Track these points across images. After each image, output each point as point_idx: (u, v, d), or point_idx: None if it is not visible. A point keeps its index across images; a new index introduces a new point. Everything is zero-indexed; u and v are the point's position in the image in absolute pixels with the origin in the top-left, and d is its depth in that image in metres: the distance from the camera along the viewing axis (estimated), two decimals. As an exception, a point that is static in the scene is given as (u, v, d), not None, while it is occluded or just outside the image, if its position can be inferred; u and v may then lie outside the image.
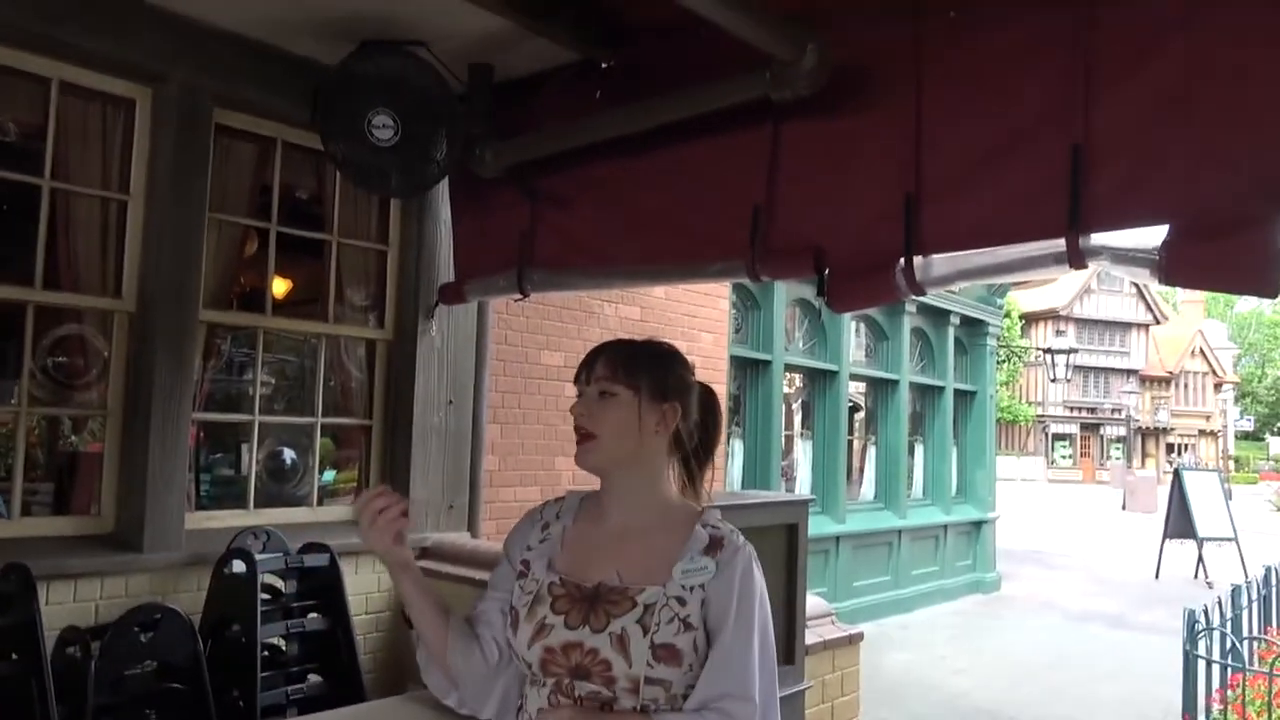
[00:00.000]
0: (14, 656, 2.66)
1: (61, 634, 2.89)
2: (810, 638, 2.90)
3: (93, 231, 3.46)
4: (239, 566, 3.26)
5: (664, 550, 1.48)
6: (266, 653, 3.33)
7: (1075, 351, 12.13)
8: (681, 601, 1.42)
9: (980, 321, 10.71)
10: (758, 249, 2.93)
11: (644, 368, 1.53)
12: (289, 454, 4.14)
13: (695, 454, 1.59)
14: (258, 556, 3.29)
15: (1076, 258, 2.28)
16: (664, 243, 3.28)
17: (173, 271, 3.47)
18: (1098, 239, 2.28)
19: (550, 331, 5.55)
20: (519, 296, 3.78)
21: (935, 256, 2.67)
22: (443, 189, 4.11)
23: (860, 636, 3.09)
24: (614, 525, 1.55)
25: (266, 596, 3.38)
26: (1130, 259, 2.29)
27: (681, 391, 1.56)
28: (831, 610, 3.08)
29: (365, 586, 3.90)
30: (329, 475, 4.42)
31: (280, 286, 4.13)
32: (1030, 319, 38.53)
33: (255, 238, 4.05)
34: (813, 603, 3.00)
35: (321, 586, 3.47)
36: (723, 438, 1.65)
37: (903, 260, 2.63)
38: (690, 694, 1.42)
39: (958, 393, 10.58)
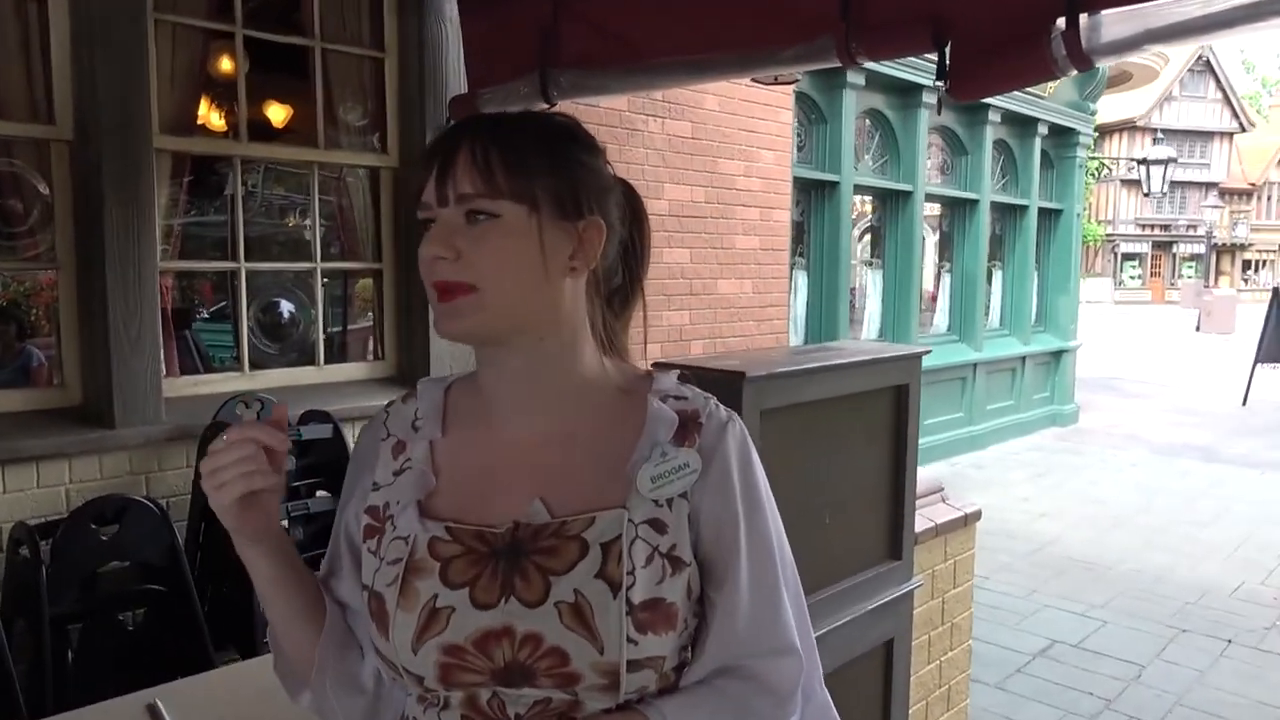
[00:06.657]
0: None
1: (11, 532, 2.43)
2: (919, 523, 2.33)
3: (9, 40, 2.79)
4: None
5: (611, 450, 0.87)
6: (270, 537, 2.88)
7: (1174, 161, 10.88)
8: (658, 527, 0.84)
9: (1070, 131, 9.56)
10: (852, 21, 2.21)
11: (539, 163, 0.85)
12: (287, 306, 3.58)
13: (618, 291, 0.97)
14: (245, 430, 2.78)
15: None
16: (722, 24, 2.55)
17: (113, 87, 2.82)
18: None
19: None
20: (545, 106, 3.08)
21: (1108, 13, 1.91)
22: (445, -24, 3.36)
23: (978, 515, 2.51)
24: (518, 425, 0.90)
25: (263, 474, 2.89)
26: None
27: (602, 196, 0.90)
28: (941, 485, 2.50)
29: (385, 454, 3.39)
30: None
31: (257, 106, 3.44)
32: (1104, 131, 35.96)
33: (221, 48, 3.34)
34: (921, 478, 2.40)
35: (325, 461, 2.97)
36: (649, 260, 0.99)
37: (1063, 21, 1.90)
38: (689, 659, 0.86)
39: (1042, 212, 9.61)
